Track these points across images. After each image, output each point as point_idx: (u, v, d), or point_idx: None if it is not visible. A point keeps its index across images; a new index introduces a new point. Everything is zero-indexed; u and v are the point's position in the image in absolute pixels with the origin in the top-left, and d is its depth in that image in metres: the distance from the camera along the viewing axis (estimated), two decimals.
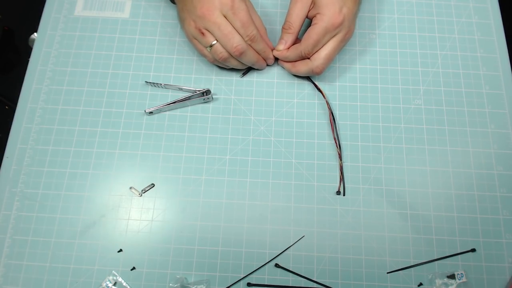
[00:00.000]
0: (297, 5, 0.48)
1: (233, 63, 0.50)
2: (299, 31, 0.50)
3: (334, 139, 0.50)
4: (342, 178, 0.49)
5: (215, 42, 0.48)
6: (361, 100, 0.53)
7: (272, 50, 0.52)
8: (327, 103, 0.52)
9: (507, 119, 0.52)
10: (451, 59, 0.55)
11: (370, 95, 0.53)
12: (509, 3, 0.61)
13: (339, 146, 0.50)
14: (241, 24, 0.47)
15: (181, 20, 0.50)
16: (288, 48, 0.51)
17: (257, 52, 0.50)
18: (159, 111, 0.51)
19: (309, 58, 0.50)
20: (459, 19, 0.57)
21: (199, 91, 0.52)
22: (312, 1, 0.48)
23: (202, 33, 0.47)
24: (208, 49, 0.49)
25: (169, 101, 0.51)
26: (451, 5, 0.58)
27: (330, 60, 0.49)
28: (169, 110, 0.52)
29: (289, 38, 0.50)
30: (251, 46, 0.49)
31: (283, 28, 0.50)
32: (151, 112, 0.51)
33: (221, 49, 0.48)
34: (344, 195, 0.49)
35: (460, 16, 0.57)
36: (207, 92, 0.52)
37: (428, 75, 0.54)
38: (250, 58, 0.49)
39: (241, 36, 0.47)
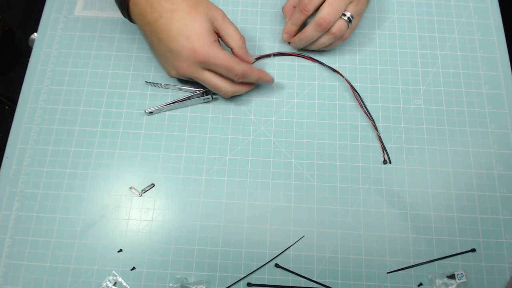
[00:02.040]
0: None
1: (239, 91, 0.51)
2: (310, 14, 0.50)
3: (365, 112, 0.51)
4: (384, 147, 0.50)
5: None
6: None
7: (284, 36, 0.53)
8: (348, 82, 0.53)
9: (507, 119, 0.52)
10: (451, 59, 0.55)
11: (370, 95, 0.53)
12: (509, 3, 0.61)
13: (372, 119, 0.51)
14: (224, 69, 0.46)
15: (164, 67, 0.50)
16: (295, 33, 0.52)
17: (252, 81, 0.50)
18: (159, 111, 0.51)
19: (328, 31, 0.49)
20: (459, 19, 0.57)
21: (199, 91, 0.52)
22: None
23: (191, 79, 0.49)
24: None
25: (169, 101, 0.51)
26: (451, 5, 0.58)
27: (355, 27, 0.50)
28: (169, 110, 0.52)
29: (301, 19, 0.50)
30: (242, 82, 0.49)
31: (298, 7, 0.50)
32: (151, 112, 0.51)
33: (225, 90, 0.49)
34: (390, 162, 0.50)
35: (460, 16, 0.57)
36: (207, 92, 0.52)
37: (428, 75, 0.54)
38: (250, 78, 0.49)
39: (230, 77, 0.47)
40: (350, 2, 0.48)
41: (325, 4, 0.48)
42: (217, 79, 0.47)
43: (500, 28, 0.57)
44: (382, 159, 0.50)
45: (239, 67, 0.46)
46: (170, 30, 0.45)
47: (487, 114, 0.53)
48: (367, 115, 0.51)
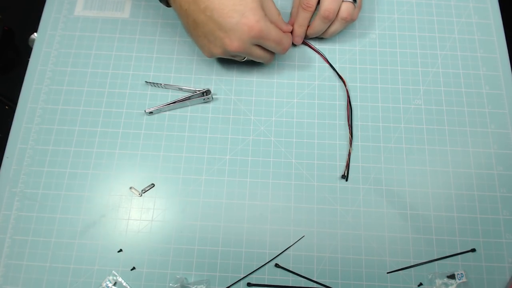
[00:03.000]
0: None
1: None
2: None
3: (349, 125, 0.51)
4: (348, 164, 0.49)
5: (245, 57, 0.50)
6: (361, 100, 0.53)
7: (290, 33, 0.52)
8: (347, 90, 0.53)
9: (507, 119, 0.52)
10: (451, 59, 0.55)
11: (370, 95, 0.53)
12: (509, 3, 0.61)
13: (351, 133, 0.51)
14: (274, 44, 0.47)
15: (203, 47, 0.49)
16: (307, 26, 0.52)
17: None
18: (159, 111, 0.51)
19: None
20: (459, 19, 0.57)
21: (199, 91, 0.52)
22: None
23: (233, 56, 0.49)
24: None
25: (169, 101, 0.51)
26: (451, 5, 0.58)
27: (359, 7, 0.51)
28: (169, 110, 0.52)
29: (307, 17, 0.51)
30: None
31: (301, 6, 0.50)
32: (151, 112, 0.51)
33: (266, 59, 0.50)
34: (347, 180, 0.49)
35: (460, 16, 0.57)
36: (207, 92, 0.52)
37: (428, 75, 0.54)
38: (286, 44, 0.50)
39: (277, 52, 0.49)
40: None
41: None
42: (262, 53, 0.49)
43: (500, 28, 0.57)
44: (343, 173, 0.49)
45: (286, 41, 0.48)
46: (223, 7, 0.44)
47: (487, 114, 0.53)
48: (349, 127, 0.51)
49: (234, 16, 0.44)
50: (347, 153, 0.50)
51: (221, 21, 0.44)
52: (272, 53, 0.50)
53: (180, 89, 0.52)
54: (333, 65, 0.54)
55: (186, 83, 0.53)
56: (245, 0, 0.44)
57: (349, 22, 0.51)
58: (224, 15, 0.44)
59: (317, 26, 0.51)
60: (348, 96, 0.52)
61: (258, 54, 0.48)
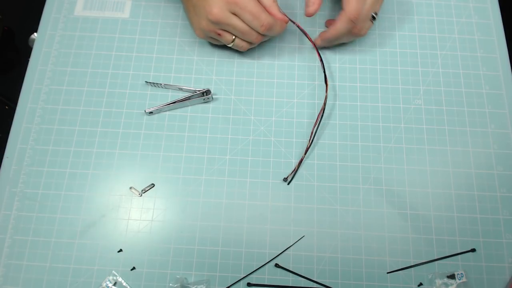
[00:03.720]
0: None
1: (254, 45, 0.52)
2: None
3: (312, 133, 0.50)
4: (296, 170, 0.49)
5: (233, 37, 0.50)
6: (361, 100, 0.53)
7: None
8: (326, 97, 0.51)
9: (507, 119, 0.52)
10: (451, 59, 0.55)
11: (370, 95, 0.53)
12: (509, 3, 0.61)
13: (311, 142, 0.50)
14: (252, 17, 0.47)
15: (193, 23, 0.51)
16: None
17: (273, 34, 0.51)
18: (159, 111, 0.51)
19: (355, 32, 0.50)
20: (459, 19, 0.57)
21: (199, 91, 0.52)
22: None
23: (219, 34, 0.49)
24: (231, 45, 0.51)
25: (169, 101, 0.51)
26: (451, 5, 0.58)
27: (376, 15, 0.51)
28: (169, 110, 0.52)
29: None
30: (266, 34, 0.49)
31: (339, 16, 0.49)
32: (151, 112, 0.51)
33: (241, 43, 0.50)
34: (288, 184, 0.49)
35: (460, 16, 0.57)
36: (207, 92, 0.52)
37: (428, 75, 0.54)
38: (275, 31, 0.50)
39: (256, 28, 0.48)
40: None
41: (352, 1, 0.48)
42: (243, 25, 0.48)
43: (500, 28, 0.57)
44: (287, 176, 0.49)
45: (265, 18, 0.47)
46: None
47: (487, 114, 0.53)
48: (311, 135, 0.50)
49: None
50: (349, 154, 0.50)
51: None
52: (253, 30, 0.49)
53: (180, 89, 0.52)
54: (334, 65, 0.54)
55: (186, 83, 0.53)
56: None
57: (356, 34, 0.51)
58: None
59: (341, 28, 0.50)
60: (326, 98, 0.51)
61: (238, 25, 0.48)
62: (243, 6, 0.46)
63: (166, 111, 0.52)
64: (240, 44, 0.51)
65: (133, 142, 0.51)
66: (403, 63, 0.55)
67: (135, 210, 0.48)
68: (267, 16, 0.48)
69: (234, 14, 0.47)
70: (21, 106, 0.52)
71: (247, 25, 0.48)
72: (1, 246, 0.46)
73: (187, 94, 0.52)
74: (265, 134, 0.51)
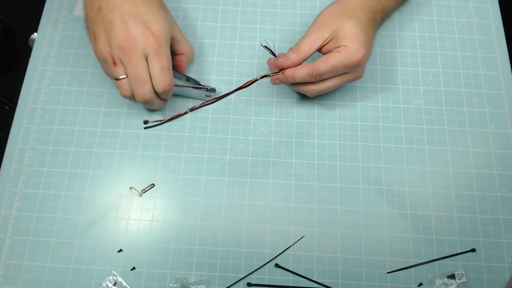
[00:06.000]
0: (312, 34, 0.45)
1: (133, 101, 0.47)
2: (305, 59, 0.46)
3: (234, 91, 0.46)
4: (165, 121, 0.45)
5: (124, 77, 0.44)
6: (361, 100, 0.53)
7: (273, 61, 0.47)
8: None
9: (507, 119, 0.52)
10: (451, 59, 0.55)
11: (370, 95, 0.53)
12: (509, 3, 0.61)
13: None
14: (160, 70, 0.44)
15: (92, 36, 0.45)
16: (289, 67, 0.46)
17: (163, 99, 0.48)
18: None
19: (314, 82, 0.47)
20: (459, 19, 0.57)
21: (205, 85, 0.51)
22: (331, 36, 0.45)
23: (114, 63, 0.44)
24: (113, 80, 0.45)
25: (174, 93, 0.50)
26: (451, 5, 0.58)
27: (327, 92, 0.48)
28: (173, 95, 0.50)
29: (293, 58, 0.45)
30: (158, 97, 0.46)
31: (290, 48, 0.46)
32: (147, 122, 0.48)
33: (126, 87, 0.45)
34: (146, 124, 0.45)
35: (460, 16, 0.57)
36: (213, 89, 0.51)
37: (428, 75, 0.54)
38: (153, 106, 0.47)
39: (155, 83, 0.44)
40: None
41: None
42: (146, 74, 0.44)
43: (500, 28, 0.57)
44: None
45: (170, 78, 0.45)
46: (124, 6, 0.44)
47: (487, 114, 0.53)
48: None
49: (134, 18, 0.44)
50: (349, 154, 0.50)
51: (114, 12, 0.44)
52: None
53: (188, 79, 0.52)
54: None
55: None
56: (153, 8, 0.45)
57: (307, 88, 0.48)
58: (120, 12, 0.44)
59: (302, 67, 0.45)
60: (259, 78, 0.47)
61: (132, 71, 0.44)
62: (160, 55, 0.43)
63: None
64: (124, 86, 0.45)
65: (133, 142, 0.51)
66: (403, 63, 0.55)
67: (135, 210, 0.48)
68: (171, 79, 0.45)
69: (146, 56, 0.44)
70: (21, 106, 0.52)
71: (147, 76, 0.44)
72: (1, 246, 0.46)
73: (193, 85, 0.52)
74: (265, 134, 0.51)
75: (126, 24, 0.43)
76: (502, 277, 0.46)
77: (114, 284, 0.45)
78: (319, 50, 0.46)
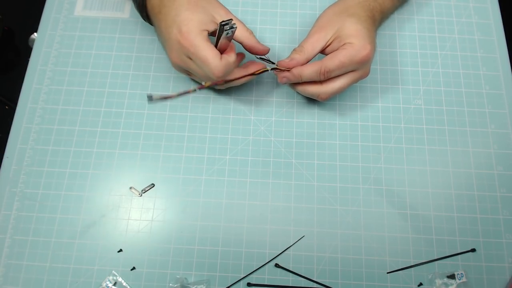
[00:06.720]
0: (315, 35, 0.46)
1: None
2: (309, 59, 0.46)
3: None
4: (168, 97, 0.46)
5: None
6: (361, 100, 0.53)
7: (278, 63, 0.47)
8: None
9: (507, 119, 0.52)
10: (451, 59, 0.55)
11: (370, 95, 0.53)
12: (509, 3, 0.61)
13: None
14: (200, 62, 0.43)
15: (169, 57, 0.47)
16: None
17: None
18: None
19: (321, 83, 0.46)
20: (459, 19, 0.57)
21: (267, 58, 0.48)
22: (335, 36, 0.45)
23: (188, 73, 0.49)
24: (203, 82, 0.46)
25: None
26: (451, 5, 0.58)
27: (339, 93, 0.48)
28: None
29: (297, 57, 0.45)
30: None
31: (293, 49, 0.46)
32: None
33: (203, 79, 0.47)
34: (150, 99, 0.44)
35: (460, 16, 0.57)
36: (230, 23, 0.43)
37: (428, 75, 0.54)
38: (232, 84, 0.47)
39: (208, 74, 0.44)
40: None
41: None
42: (200, 71, 0.45)
43: (500, 28, 0.57)
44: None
45: (215, 65, 0.43)
46: (167, 19, 0.45)
47: (487, 114, 0.53)
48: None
49: (172, 27, 0.44)
50: (349, 154, 0.50)
51: (164, 32, 0.45)
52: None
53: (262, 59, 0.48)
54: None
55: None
56: (184, 13, 0.44)
57: (318, 92, 0.47)
58: (166, 26, 0.45)
59: (309, 66, 0.45)
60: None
61: (195, 70, 0.45)
62: (193, 52, 0.43)
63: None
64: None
65: (133, 142, 0.51)
66: (403, 63, 0.55)
67: (135, 210, 0.48)
68: (219, 64, 0.43)
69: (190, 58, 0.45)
70: (21, 106, 0.52)
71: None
72: (1, 246, 0.46)
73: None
74: (265, 134, 0.51)
75: (169, 32, 0.45)
76: (502, 277, 0.46)
77: (114, 284, 0.45)
78: (323, 51, 0.46)
